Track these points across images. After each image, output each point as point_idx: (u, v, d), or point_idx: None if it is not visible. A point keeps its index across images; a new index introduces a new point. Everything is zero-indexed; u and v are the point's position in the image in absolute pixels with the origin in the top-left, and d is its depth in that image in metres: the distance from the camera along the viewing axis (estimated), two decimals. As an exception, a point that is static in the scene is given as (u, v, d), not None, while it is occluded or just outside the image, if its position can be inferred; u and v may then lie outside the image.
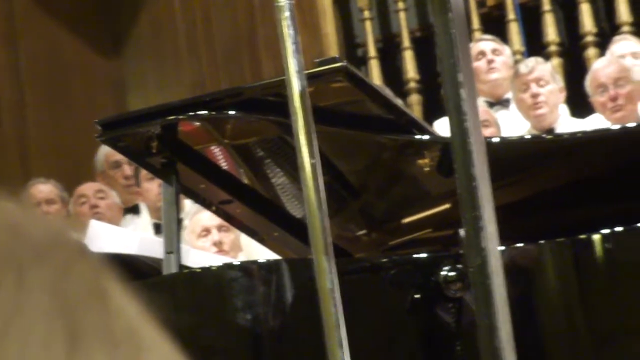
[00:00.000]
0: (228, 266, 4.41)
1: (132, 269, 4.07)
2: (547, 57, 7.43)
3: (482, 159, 1.62)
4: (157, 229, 6.94)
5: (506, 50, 6.67)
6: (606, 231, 3.58)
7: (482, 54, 6.43)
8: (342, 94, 3.94)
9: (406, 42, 8.22)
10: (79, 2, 10.84)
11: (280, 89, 3.22)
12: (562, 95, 6.11)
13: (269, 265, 3.96)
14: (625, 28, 7.36)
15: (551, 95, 5.99)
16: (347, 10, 9.29)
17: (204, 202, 4.56)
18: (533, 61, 6.24)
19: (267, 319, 3.76)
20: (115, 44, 11.07)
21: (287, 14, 2.61)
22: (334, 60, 3.78)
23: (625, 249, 3.73)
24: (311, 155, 2.51)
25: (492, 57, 6.44)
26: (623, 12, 7.69)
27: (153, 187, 7.50)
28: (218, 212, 4.69)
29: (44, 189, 8.33)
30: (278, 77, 3.46)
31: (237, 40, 10.17)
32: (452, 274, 3.34)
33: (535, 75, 6.10)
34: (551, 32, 7.57)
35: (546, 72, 6.06)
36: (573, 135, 5.07)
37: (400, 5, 8.40)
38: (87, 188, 8.23)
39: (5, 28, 11.16)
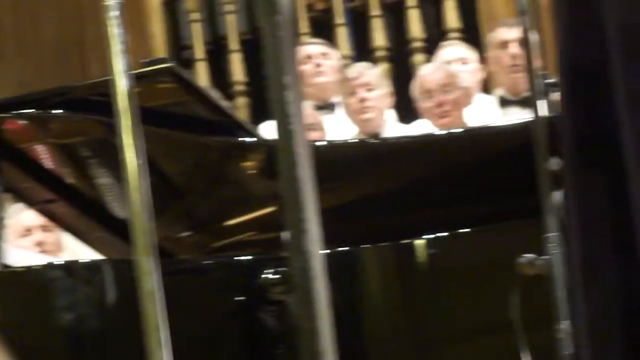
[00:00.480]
0: (50, 266, 4.33)
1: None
2: (375, 62, 7.46)
3: (306, 162, 1.62)
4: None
5: (334, 54, 6.65)
6: (430, 236, 3.64)
7: (310, 57, 6.40)
8: (168, 94, 3.96)
9: (234, 44, 8.23)
10: None
11: (107, 88, 3.15)
12: (390, 101, 6.15)
13: (92, 265, 4.01)
14: (453, 34, 7.40)
15: (378, 100, 6.03)
16: (175, 12, 9.21)
17: (28, 200, 4.54)
18: (361, 66, 6.29)
19: (89, 319, 3.78)
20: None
21: (114, 13, 2.60)
22: (161, 60, 3.78)
23: (448, 255, 3.81)
24: (136, 156, 2.49)
25: (320, 61, 6.40)
26: (451, 18, 7.80)
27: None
28: (42, 211, 4.65)
29: None
30: (105, 77, 3.38)
31: (65, 40, 9.91)
32: (274, 277, 3.32)
33: (363, 80, 6.13)
34: (379, 37, 7.61)
35: (374, 77, 6.10)
36: (398, 139, 5.17)
37: (229, 7, 8.40)
38: None
39: None
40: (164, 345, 2.47)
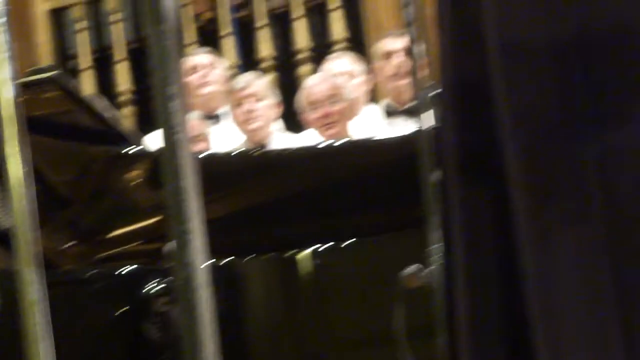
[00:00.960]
0: None
1: None
2: (262, 72, 7.38)
3: (191, 173, 1.63)
4: None
5: (221, 64, 6.61)
6: (314, 247, 3.64)
7: (196, 67, 6.37)
8: (53, 103, 3.95)
9: (120, 53, 8.15)
10: None
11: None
12: (277, 111, 6.16)
13: None
14: (340, 45, 7.45)
15: (266, 110, 6.03)
16: (61, 21, 9.03)
17: None
18: (248, 76, 6.28)
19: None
20: None
21: (1, 20, 2.54)
22: (46, 69, 3.74)
23: (332, 266, 3.82)
24: (21, 165, 2.47)
25: (206, 71, 6.38)
26: (337, 28, 7.79)
27: None
28: None
29: None
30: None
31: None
32: (158, 288, 3.30)
33: (250, 90, 6.11)
34: (266, 47, 7.60)
35: (261, 87, 6.11)
36: (283, 151, 5.15)
37: (115, 16, 8.30)
38: None
39: None
40: (46, 357, 2.43)
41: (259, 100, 6.13)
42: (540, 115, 2.52)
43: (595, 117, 2.43)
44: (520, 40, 2.54)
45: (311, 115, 5.92)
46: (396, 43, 6.02)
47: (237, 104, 6.22)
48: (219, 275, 3.52)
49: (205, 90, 6.42)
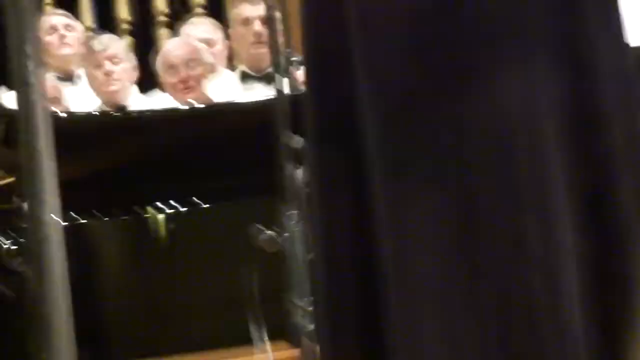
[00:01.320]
0: None
1: None
2: (118, 35, 7.05)
3: (47, 133, 1.62)
4: None
5: (78, 26, 6.46)
6: (169, 210, 3.71)
7: (54, 28, 6.21)
8: None
9: (-24, 10, 7.91)
10: None
11: None
12: (135, 74, 6.07)
13: None
14: (198, 9, 7.19)
15: (124, 73, 5.95)
16: None
17: None
18: (107, 38, 6.16)
19: None
20: None
21: None
22: None
23: (186, 229, 3.83)
24: None
25: (64, 33, 6.23)
26: None
27: None
28: None
29: None
30: None
31: None
32: (13, 247, 3.27)
33: (109, 52, 6.00)
34: (123, 10, 7.43)
35: (120, 49, 6.03)
36: (141, 113, 5.12)
37: (-30, -27, 7.98)
38: None
39: None
40: None
41: (117, 62, 6.02)
42: (397, 83, 2.51)
43: (451, 84, 2.45)
44: (377, 10, 2.51)
45: (169, 79, 5.86)
46: (254, 10, 5.97)
47: (96, 65, 6.06)
48: (73, 235, 3.53)
49: (63, 51, 6.29)
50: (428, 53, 2.51)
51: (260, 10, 5.40)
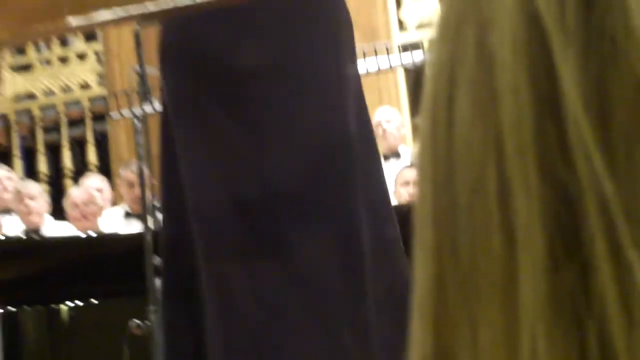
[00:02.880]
0: None
1: None
2: (39, 183, 6.70)
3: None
4: None
5: (14, 177, 6.29)
6: (70, 304, 3.53)
7: None
8: None
9: None
10: None
11: None
12: (47, 208, 5.98)
13: None
14: (93, 168, 6.92)
15: (39, 208, 5.86)
16: None
17: None
18: (30, 184, 6.13)
19: None
20: None
21: None
22: None
23: (82, 319, 3.62)
24: None
25: (6, 183, 6.04)
26: (91, 156, 7.20)
27: None
28: None
29: None
30: None
31: None
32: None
33: (29, 192, 5.93)
34: (43, 167, 7.17)
35: (36, 191, 5.94)
36: (52, 237, 5.30)
37: None
38: None
39: None
40: None
41: (34, 199, 5.80)
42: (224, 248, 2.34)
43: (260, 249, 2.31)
44: (207, 198, 2.34)
45: (72, 213, 5.72)
46: (132, 175, 5.76)
47: (20, 201, 5.83)
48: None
49: (4, 195, 6.02)
50: (249, 229, 2.35)
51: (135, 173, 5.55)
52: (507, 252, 0.35)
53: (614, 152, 0.34)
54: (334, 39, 2.38)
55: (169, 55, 2.39)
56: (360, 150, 2.35)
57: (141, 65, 3.15)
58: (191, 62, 2.34)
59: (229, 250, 2.31)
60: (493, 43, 0.37)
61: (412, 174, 4.66)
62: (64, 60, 6.92)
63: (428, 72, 0.42)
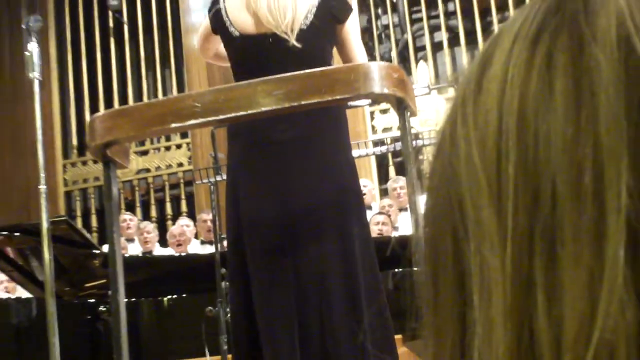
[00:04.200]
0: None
1: None
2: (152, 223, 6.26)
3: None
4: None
5: (135, 219, 5.82)
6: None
7: (124, 220, 5.54)
8: (66, 230, 3.37)
9: None
10: None
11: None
12: (156, 239, 5.58)
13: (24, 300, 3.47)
14: (184, 213, 6.31)
15: (151, 238, 5.49)
16: None
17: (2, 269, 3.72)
18: (145, 223, 5.74)
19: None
20: None
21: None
22: (62, 216, 3.53)
23: (178, 307, 3.48)
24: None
25: (129, 223, 5.54)
26: (183, 206, 6.56)
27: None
28: (5, 273, 3.92)
29: None
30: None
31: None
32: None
33: (145, 229, 5.58)
34: (154, 213, 6.68)
35: (150, 228, 5.57)
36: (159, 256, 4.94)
37: None
38: None
39: None
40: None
41: (149, 233, 5.45)
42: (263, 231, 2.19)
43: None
44: (256, 218, 2.21)
45: (171, 241, 5.34)
46: (207, 217, 5.12)
47: (140, 234, 5.47)
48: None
49: (128, 231, 5.57)
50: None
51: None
52: (596, 211, 0.25)
53: None
54: (337, 127, 2.26)
55: (233, 136, 2.27)
56: (352, 198, 2.24)
57: (215, 151, 3.05)
58: (247, 138, 2.22)
59: (266, 251, 2.18)
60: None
61: (380, 219, 4.64)
62: (167, 148, 6.78)
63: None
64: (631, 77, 0.26)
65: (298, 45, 2.08)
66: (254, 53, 2.14)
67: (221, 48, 2.31)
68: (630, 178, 0.25)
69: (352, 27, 2.19)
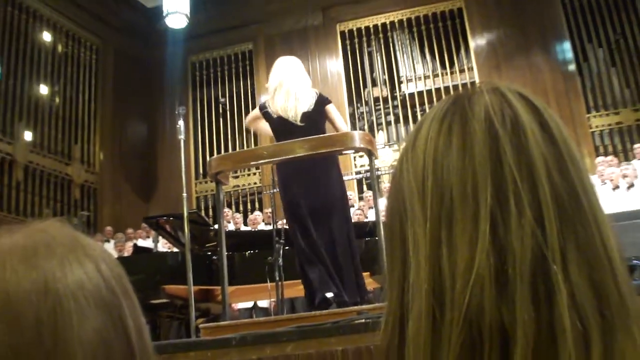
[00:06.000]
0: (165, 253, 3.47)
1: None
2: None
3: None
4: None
5: None
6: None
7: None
8: (198, 218, 3.17)
9: None
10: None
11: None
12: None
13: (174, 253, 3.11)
14: (256, 210, 5.51)
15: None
16: None
17: (165, 238, 3.37)
18: None
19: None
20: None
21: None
22: (194, 212, 3.10)
23: (252, 260, 3.02)
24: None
25: None
26: (256, 206, 6.02)
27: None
28: (169, 240, 3.42)
29: None
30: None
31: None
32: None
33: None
34: (240, 209, 6.21)
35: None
36: None
37: None
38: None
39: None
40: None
41: (255, 220, 4.76)
42: (289, 179, 2.10)
43: (302, 181, 2.09)
44: (291, 202, 2.09)
45: (249, 224, 4.78)
46: (268, 211, 4.69)
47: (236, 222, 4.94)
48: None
49: (230, 220, 5.02)
50: (296, 175, 2.09)
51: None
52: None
53: None
54: (335, 163, 2.18)
55: (279, 167, 2.19)
56: (345, 200, 2.16)
57: (273, 176, 2.54)
58: (288, 168, 2.12)
59: (300, 220, 2.06)
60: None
61: (358, 212, 4.26)
62: (248, 174, 6.29)
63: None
64: (493, 138, 0.24)
65: (301, 124, 2.12)
66: (283, 126, 2.16)
67: (261, 124, 2.28)
68: (492, 189, 0.24)
69: (333, 108, 2.17)
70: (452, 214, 0.25)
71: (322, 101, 2.16)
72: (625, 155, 4.85)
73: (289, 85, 2.12)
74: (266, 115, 2.20)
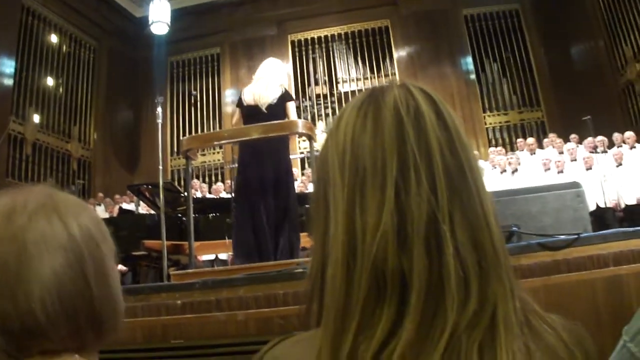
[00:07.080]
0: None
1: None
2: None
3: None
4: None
5: None
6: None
7: None
8: (172, 188, 3.06)
9: None
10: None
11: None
12: None
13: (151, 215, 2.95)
14: (220, 183, 5.41)
15: None
16: None
17: (147, 204, 3.31)
18: None
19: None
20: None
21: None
22: (168, 182, 3.09)
23: (216, 221, 2.94)
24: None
25: None
26: (220, 179, 6.06)
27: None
28: (147, 204, 3.34)
29: None
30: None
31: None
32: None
33: None
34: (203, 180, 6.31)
35: None
36: None
37: None
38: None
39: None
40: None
41: (217, 188, 4.81)
42: (247, 160, 2.01)
43: (257, 162, 1.90)
44: (247, 178, 2.00)
45: (213, 193, 4.85)
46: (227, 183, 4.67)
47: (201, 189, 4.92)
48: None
49: (195, 187, 4.97)
50: (253, 157, 2.03)
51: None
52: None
53: None
54: (285, 144, 2.13)
55: (241, 147, 2.12)
56: (291, 175, 2.13)
57: (232, 154, 2.60)
58: (247, 147, 2.06)
59: (254, 194, 2.00)
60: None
61: (301, 185, 4.15)
62: (212, 152, 6.33)
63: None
64: (399, 123, 0.26)
65: (265, 111, 2.14)
66: (250, 112, 2.17)
67: (238, 117, 2.23)
68: (397, 163, 0.26)
69: (292, 105, 2.21)
70: (364, 182, 0.27)
71: (285, 97, 2.18)
72: (512, 147, 5.39)
73: (265, 79, 2.16)
74: (239, 103, 2.20)
